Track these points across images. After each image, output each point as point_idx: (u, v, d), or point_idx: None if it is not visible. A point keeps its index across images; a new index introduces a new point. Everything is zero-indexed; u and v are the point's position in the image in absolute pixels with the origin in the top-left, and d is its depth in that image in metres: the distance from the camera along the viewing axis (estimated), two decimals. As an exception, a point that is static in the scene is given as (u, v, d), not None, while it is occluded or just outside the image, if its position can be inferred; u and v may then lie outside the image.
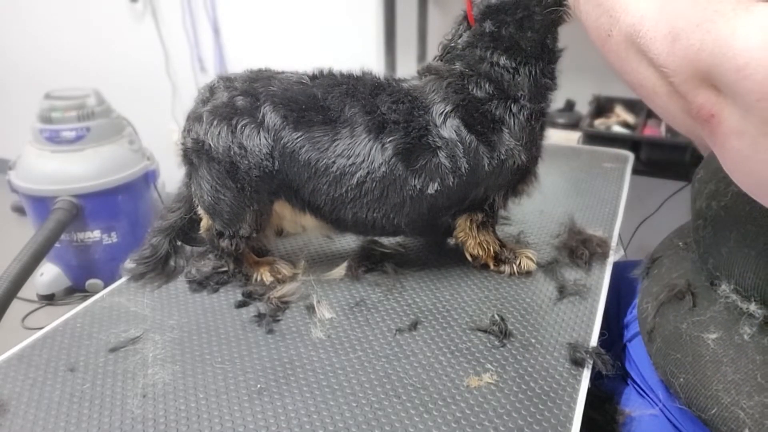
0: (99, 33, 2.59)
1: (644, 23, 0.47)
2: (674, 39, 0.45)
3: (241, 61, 2.34)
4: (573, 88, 1.72)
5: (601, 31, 0.52)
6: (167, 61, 2.53)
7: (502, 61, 0.74)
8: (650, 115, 1.63)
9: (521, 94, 0.75)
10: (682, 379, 0.62)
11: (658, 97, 0.49)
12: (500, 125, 0.75)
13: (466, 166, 0.74)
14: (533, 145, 0.78)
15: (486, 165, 0.75)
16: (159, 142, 2.32)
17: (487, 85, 0.75)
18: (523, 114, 0.75)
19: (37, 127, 1.87)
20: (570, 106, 1.82)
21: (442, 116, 0.74)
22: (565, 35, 0.76)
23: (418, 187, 0.74)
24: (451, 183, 0.75)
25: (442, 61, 0.79)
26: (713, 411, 0.58)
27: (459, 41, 0.77)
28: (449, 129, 0.73)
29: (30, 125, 1.90)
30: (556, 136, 1.65)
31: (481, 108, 0.74)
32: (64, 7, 2.59)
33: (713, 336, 0.62)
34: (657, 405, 0.70)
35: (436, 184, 0.74)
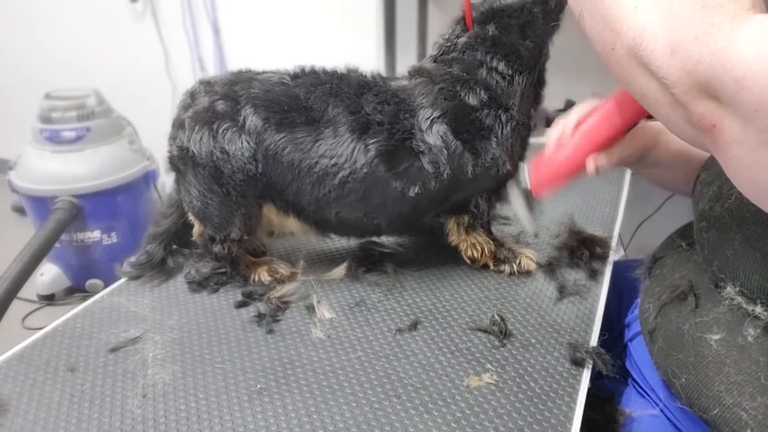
0: (99, 33, 2.59)
1: (644, 36, 0.48)
2: (673, 52, 0.45)
3: (241, 61, 2.34)
4: (573, 88, 1.71)
5: (605, 45, 0.53)
6: (167, 61, 2.53)
7: (501, 67, 0.74)
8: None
9: (512, 104, 0.75)
10: (683, 380, 0.62)
11: (661, 108, 0.50)
12: (489, 133, 0.75)
13: (449, 171, 0.74)
14: (517, 155, 0.78)
15: (469, 172, 0.75)
16: (159, 142, 2.32)
17: (482, 93, 0.74)
18: (511, 124, 0.75)
19: (37, 127, 1.87)
20: (570, 106, 1.81)
21: (429, 121, 0.73)
22: (565, 35, 0.76)
23: (399, 189, 0.74)
24: (432, 187, 0.75)
25: (437, 61, 0.79)
26: (715, 412, 0.58)
27: (458, 42, 0.77)
28: (435, 135, 0.73)
29: (30, 125, 1.90)
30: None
31: (472, 115, 0.74)
32: (64, 7, 2.59)
33: (716, 337, 0.61)
34: (658, 405, 0.70)
35: (417, 188, 0.74)
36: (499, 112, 0.75)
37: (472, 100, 0.74)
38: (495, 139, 0.75)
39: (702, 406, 0.60)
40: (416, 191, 0.74)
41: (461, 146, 0.74)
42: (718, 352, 0.60)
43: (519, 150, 0.79)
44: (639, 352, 0.76)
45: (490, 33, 0.74)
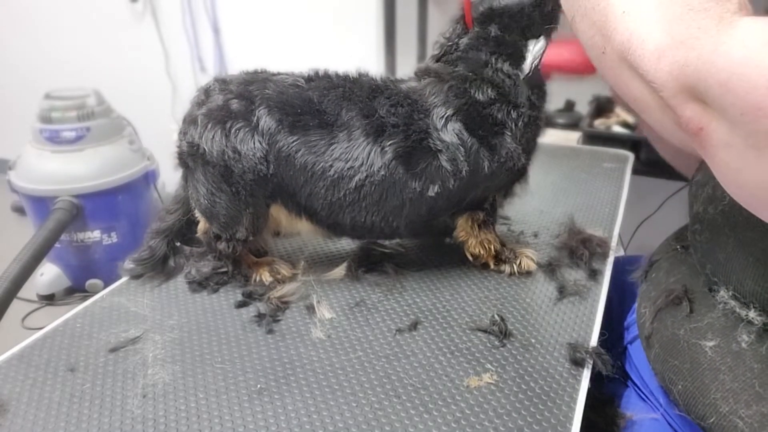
0: (99, 33, 2.59)
1: (632, 41, 0.48)
2: (660, 56, 0.46)
3: (241, 61, 2.34)
4: (573, 88, 1.71)
5: (595, 49, 0.53)
6: (167, 61, 2.53)
7: (506, 68, 0.74)
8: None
9: (521, 101, 0.75)
10: (680, 386, 0.62)
11: (652, 111, 0.51)
12: (502, 128, 0.75)
13: (467, 168, 0.74)
14: (531, 149, 0.79)
15: (486, 168, 0.75)
16: (159, 142, 2.32)
17: (489, 90, 0.75)
18: (523, 120, 0.76)
19: (37, 127, 1.87)
20: (570, 106, 1.81)
21: (443, 119, 0.74)
22: (565, 35, 0.76)
23: (418, 189, 0.74)
24: (451, 185, 0.75)
25: (440, 61, 0.79)
26: (712, 420, 0.58)
27: (460, 42, 0.77)
28: (450, 132, 0.73)
29: (30, 125, 1.90)
30: (556, 136, 1.65)
31: (483, 111, 0.74)
32: (64, 7, 2.59)
33: (711, 343, 0.61)
34: (658, 410, 0.70)
35: (436, 187, 0.74)
36: (509, 108, 0.75)
37: (481, 97, 0.75)
38: (509, 134, 0.75)
39: (699, 414, 0.60)
40: (436, 190, 0.74)
41: (477, 143, 0.74)
42: (713, 359, 0.60)
43: (533, 145, 0.79)
44: (638, 356, 0.76)
45: (493, 34, 0.74)
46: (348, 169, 0.72)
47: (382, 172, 0.73)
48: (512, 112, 0.75)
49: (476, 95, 0.75)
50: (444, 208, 0.78)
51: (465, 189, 0.76)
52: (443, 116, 0.74)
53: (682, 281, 0.71)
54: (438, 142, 0.73)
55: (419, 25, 1.98)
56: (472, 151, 0.74)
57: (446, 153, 0.73)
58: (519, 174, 0.80)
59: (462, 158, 0.74)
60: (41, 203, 1.86)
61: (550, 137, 1.62)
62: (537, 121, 0.78)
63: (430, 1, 1.98)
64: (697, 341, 0.62)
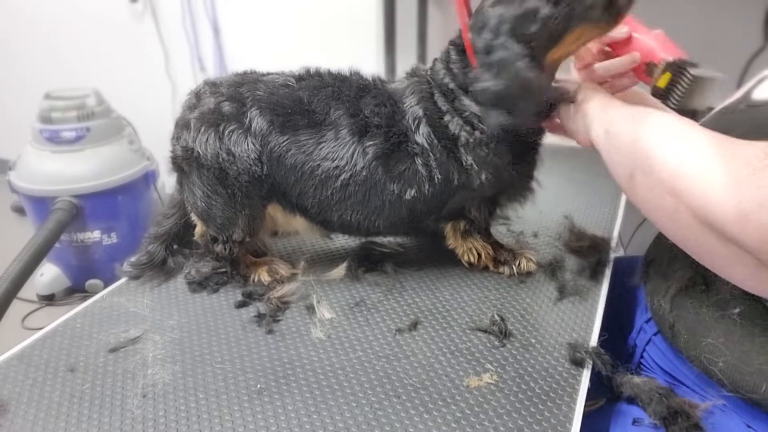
0: (99, 33, 2.59)
1: (709, 206, 0.47)
2: (745, 221, 0.45)
3: (241, 61, 2.34)
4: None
5: (665, 208, 0.52)
6: (167, 61, 2.53)
7: (473, 107, 0.71)
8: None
9: (470, 120, 0.71)
10: (721, 363, 0.60)
11: (742, 267, 0.50)
12: (455, 142, 0.72)
13: (439, 176, 0.74)
14: (495, 169, 0.74)
15: (456, 179, 0.74)
16: (159, 142, 2.32)
17: (443, 99, 0.72)
18: (476, 139, 0.72)
19: (37, 127, 1.87)
20: (570, 106, 1.81)
21: (416, 121, 0.73)
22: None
23: (395, 192, 0.74)
24: (426, 191, 0.74)
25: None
26: (763, 387, 0.56)
27: (444, 80, 0.73)
28: (422, 136, 0.73)
29: (30, 125, 1.90)
30: (556, 136, 1.64)
31: (441, 120, 0.72)
32: (64, 7, 2.59)
33: (737, 310, 0.60)
34: (707, 398, 0.66)
35: (413, 191, 0.74)
36: (462, 122, 0.72)
37: (441, 104, 0.73)
38: (463, 149, 0.73)
39: (748, 386, 0.58)
40: (412, 194, 0.74)
41: (444, 151, 0.73)
42: (745, 325, 0.59)
43: (498, 165, 0.74)
44: (666, 351, 0.74)
45: (465, 103, 0.71)
46: (334, 168, 0.73)
47: (364, 173, 0.73)
48: (465, 127, 0.72)
49: (438, 101, 0.73)
50: (424, 212, 0.78)
51: (440, 196, 0.76)
52: (415, 117, 0.73)
53: (689, 266, 0.69)
54: (415, 145, 0.73)
55: (419, 25, 1.98)
56: (441, 158, 0.73)
57: (421, 156, 0.73)
58: (491, 190, 0.76)
59: (434, 164, 0.73)
60: (41, 203, 1.86)
61: (551, 137, 1.62)
62: (498, 148, 0.72)
63: (430, 1, 1.98)
64: (723, 312, 0.61)
